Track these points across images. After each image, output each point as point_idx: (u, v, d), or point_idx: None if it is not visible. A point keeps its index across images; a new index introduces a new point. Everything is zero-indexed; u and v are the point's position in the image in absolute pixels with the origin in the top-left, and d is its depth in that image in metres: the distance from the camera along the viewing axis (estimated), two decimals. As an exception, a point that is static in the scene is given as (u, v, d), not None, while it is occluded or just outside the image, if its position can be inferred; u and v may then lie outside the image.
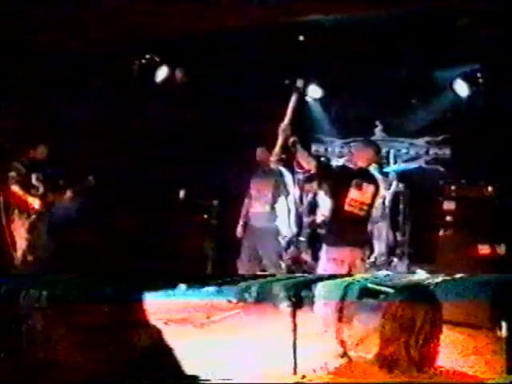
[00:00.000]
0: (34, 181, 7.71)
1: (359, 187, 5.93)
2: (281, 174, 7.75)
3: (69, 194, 7.76)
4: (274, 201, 7.65)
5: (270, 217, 7.65)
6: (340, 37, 7.16)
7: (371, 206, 6.04)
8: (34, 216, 7.63)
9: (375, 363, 2.52)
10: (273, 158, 6.22)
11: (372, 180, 6.07)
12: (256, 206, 7.76)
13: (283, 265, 7.89)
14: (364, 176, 6.03)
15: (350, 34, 7.37)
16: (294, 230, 8.00)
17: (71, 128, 8.02)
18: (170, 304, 7.87)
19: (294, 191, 7.96)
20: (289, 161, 6.82)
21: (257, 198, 7.76)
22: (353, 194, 5.95)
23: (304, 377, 2.74)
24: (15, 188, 7.58)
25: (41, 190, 7.69)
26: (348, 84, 8.56)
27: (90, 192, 7.90)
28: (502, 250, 7.64)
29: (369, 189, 5.98)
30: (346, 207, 5.96)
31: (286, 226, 7.77)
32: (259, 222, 7.70)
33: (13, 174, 7.56)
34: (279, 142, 5.97)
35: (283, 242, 7.88)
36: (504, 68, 8.31)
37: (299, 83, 6.10)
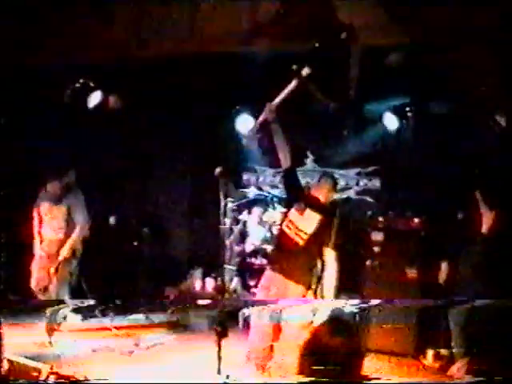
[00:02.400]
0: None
1: (300, 211, 5.78)
2: (76, 200, 7.59)
3: None
4: (68, 227, 7.49)
5: (62, 243, 7.48)
6: (272, 66, 7.23)
7: (316, 238, 5.76)
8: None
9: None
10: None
11: (323, 212, 5.83)
12: (48, 232, 7.57)
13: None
14: (315, 206, 5.84)
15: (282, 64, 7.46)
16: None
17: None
18: (97, 331, 7.78)
19: (224, 220, 7.86)
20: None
21: (48, 224, 7.57)
22: (292, 215, 5.85)
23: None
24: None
25: None
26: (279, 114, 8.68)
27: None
28: (426, 279, 7.78)
29: (313, 218, 5.78)
30: (283, 226, 5.88)
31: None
32: (51, 248, 7.52)
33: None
34: (260, 118, 6.03)
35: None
36: (432, 102, 8.55)
37: (304, 72, 6.16)
